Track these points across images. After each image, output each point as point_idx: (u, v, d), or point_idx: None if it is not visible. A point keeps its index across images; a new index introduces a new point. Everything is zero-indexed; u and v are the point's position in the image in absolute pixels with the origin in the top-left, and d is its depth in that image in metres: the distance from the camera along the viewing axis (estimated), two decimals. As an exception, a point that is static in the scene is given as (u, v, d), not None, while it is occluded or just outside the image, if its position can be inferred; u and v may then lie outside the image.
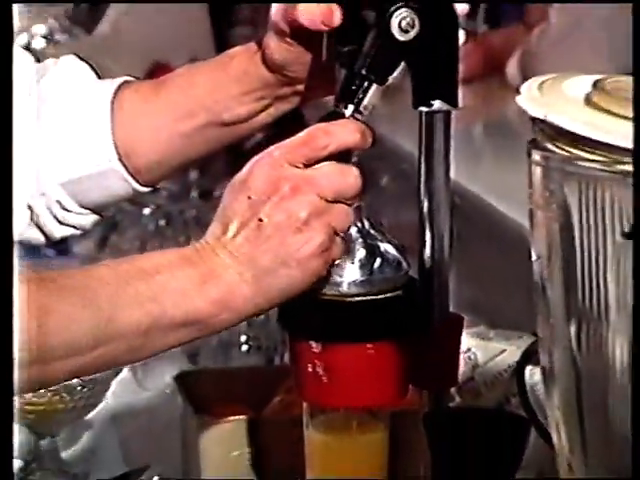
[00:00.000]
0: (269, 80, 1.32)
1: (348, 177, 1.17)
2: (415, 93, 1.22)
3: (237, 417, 1.41)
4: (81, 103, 1.41)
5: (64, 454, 1.62)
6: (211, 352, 1.72)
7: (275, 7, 1.27)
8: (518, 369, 1.30)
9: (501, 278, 1.44)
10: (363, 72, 1.20)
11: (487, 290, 1.48)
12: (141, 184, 1.41)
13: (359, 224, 1.21)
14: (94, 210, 1.43)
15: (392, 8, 1.18)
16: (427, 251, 1.23)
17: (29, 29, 3.61)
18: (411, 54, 1.20)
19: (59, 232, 1.44)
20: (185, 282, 1.16)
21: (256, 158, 1.18)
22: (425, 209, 1.22)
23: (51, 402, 1.60)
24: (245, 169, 1.19)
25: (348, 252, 1.19)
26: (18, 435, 1.61)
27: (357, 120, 1.18)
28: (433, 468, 1.24)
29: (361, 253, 1.20)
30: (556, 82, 0.98)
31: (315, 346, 1.22)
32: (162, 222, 1.98)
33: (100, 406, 1.64)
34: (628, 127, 0.92)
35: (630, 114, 0.93)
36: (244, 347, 1.71)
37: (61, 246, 2.28)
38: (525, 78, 1.81)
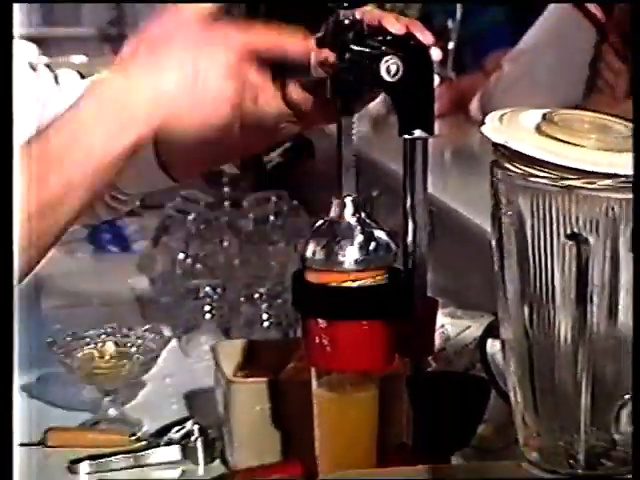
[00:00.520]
0: (284, 113, 1.31)
1: None
2: (400, 124, 1.21)
3: (259, 379, 1.40)
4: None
5: (124, 408, 1.60)
6: (240, 328, 1.72)
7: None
8: (481, 341, 1.29)
9: (467, 269, 1.43)
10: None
11: (456, 279, 1.47)
12: (172, 178, 1.38)
13: (357, 215, 1.21)
14: (128, 197, 1.41)
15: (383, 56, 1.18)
16: (409, 248, 1.22)
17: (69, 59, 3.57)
18: (396, 92, 1.19)
19: (103, 214, 1.43)
20: None
21: None
22: (408, 215, 1.21)
23: (115, 366, 1.59)
24: None
25: (350, 237, 1.20)
26: (88, 393, 1.60)
27: None
28: (414, 420, 1.23)
29: (359, 238, 1.20)
30: (513, 115, 0.97)
31: (322, 323, 1.22)
32: (202, 226, 1.97)
33: (153, 370, 1.63)
34: (571, 150, 0.92)
35: (572, 140, 0.93)
36: (265, 324, 1.71)
37: (124, 244, 2.27)
38: (484, 114, 1.79)
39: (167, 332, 1.66)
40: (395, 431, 1.26)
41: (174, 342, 1.69)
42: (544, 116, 0.95)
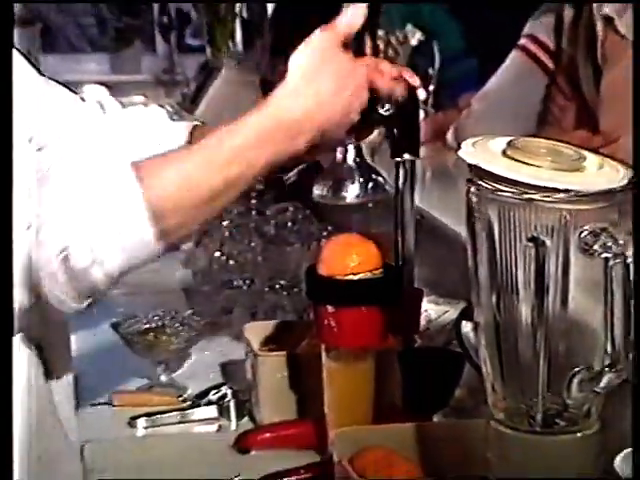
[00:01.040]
0: None
1: None
2: (392, 149, 1.20)
3: (280, 353, 1.39)
4: (165, 136, 1.34)
5: (173, 375, 1.58)
6: (264, 312, 1.71)
7: None
8: (457, 323, 1.28)
9: (446, 265, 1.41)
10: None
11: (438, 273, 1.46)
12: None
13: (358, 159, 1.20)
14: None
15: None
16: (400, 248, 1.20)
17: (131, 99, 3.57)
18: (390, 124, 1.18)
19: None
20: None
21: None
22: (399, 222, 1.20)
23: (165, 341, 1.58)
24: None
25: (352, 177, 1.19)
26: (144, 363, 1.59)
27: None
28: (403, 386, 1.22)
29: (359, 178, 1.20)
30: (483, 142, 0.96)
31: (329, 308, 1.21)
32: (234, 230, 1.96)
33: (195, 345, 1.61)
34: (530, 170, 0.90)
35: (531, 162, 0.91)
36: (285, 309, 1.71)
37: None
38: (458, 142, 1.78)
39: (206, 315, 1.63)
40: (388, 395, 1.24)
41: (212, 323, 1.66)
42: (508, 143, 0.94)
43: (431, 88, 2.05)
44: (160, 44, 4.71)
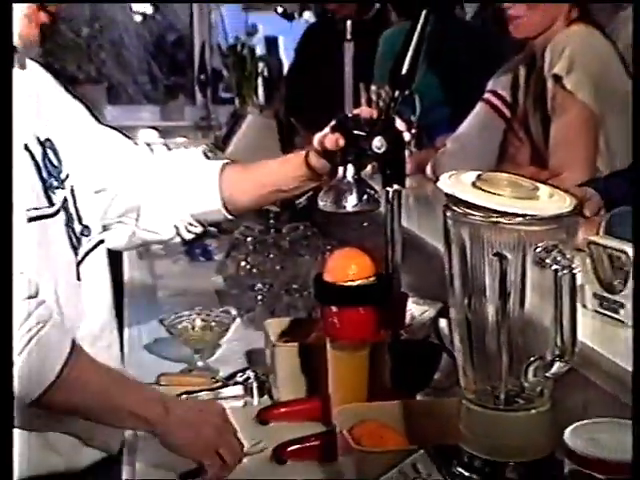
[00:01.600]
0: (308, 172, 1.27)
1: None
2: (383, 180, 1.19)
3: (293, 344, 1.37)
4: (200, 170, 1.35)
5: (207, 361, 1.56)
6: (281, 310, 1.69)
7: (316, 138, 1.23)
8: (435, 320, 1.29)
9: (427, 274, 1.39)
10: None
11: (420, 279, 1.44)
12: (231, 214, 1.35)
13: (356, 176, 1.18)
14: (203, 225, 1.37)
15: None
16: (389, 260, 1.19)
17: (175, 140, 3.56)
18: (382, 160, 1.18)
19: (187, 236, 1.37)
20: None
21: None
22: (388, 239, 1.19)
23: (201, 334, 1.56)
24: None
25: (351, 191, 1.17)
26: (185, 351, 1.57)
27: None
28: (392, 371, 1.20)
29: (356, 191, 1.17)
30: (458, 175, 0.94)
31: (333, 308, 1.19)
32: (256, 245, 1.95)
33: (225, 336, 1.59)
34: (495, 198, 0.89)
35: (496, 191, 0.90)
36: (298, 308, 1.68)
37: (208, 256, 2.25)
38: (435, 175, 1.76)
39: (234, 313, 1.62)
40: (380, 378, 1.21)
41: (239, 319, 1.65)
42: (477, 176, 0.92)
43: (413, 132, 2.02)
44: (199, 97, 4.72)
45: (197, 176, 1.34)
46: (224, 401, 1.41)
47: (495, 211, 0.87)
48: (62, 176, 1.16)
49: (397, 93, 1.19)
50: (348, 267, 1.20)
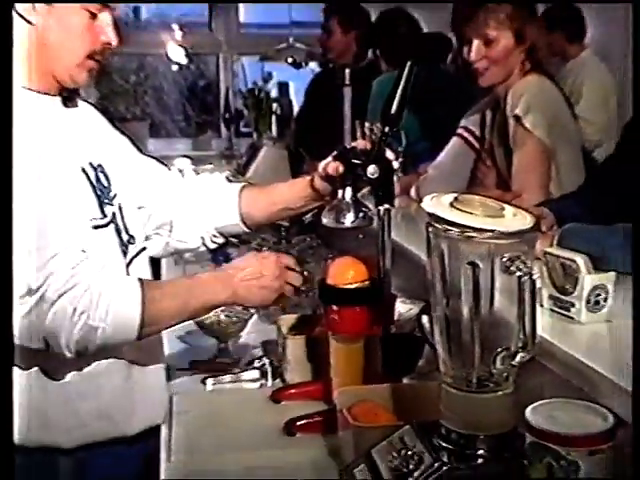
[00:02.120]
0: (313, 194, 1.26)
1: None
2: (375, 200, 1.18)
3: (301, 336, 1.37)
4: (223, 191, 1.34)
5: (230, 349, 1.55)
6: (291, 308, 1.67)
7: (320, 166, 1.22)
8: (418, 316, 1.24)
9: (412, 278, 1.37)
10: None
11: (406, 283, 1.42)
12: (249, 228, 1.34)
13: (353, 198, 1.17)
14: (225, 237, 1.36)
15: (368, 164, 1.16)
16: (381, 266, 1.18)
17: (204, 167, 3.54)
18: (374, 184, 1.17)
19: (212, 246, 1.37)
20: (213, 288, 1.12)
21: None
22: (380, 249, 1.18)
23: (225, 327, 1.54)
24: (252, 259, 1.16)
25: (349, 210, 1.16)
26: (211, 342, 1.56)
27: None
28: (383, 359, 1.19)
29: (354, 210, 1.17)
30: (438, 197, 0.93)
31: (334, 307, 1.18)
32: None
33: (246, 329, 1.58)
34: (469, 216, 0.88)
35: (469, 210, 0.88)
36: (304, 306, 1.66)
37: (229, 262, 2.23)
38: (419, 196, 1.74)
39: (252, 310, 1.60)
40: (373, 365, 1.20)
41: (256, 316, 1.62)
42: (454, 198, 0.91)
43: (400, 160, 2.02)
44: (224, 131, 4.71)
45: (220, 196, 1.34)
46: (243, 383, 1.41)
47: (469, 227, 0.86)
48: (111, 195, 1.17)
49: (387, 129, 1.18)
50: (347, 273, 1.19)
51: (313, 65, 4.08)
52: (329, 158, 1.21)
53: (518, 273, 0.86)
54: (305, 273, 1.17)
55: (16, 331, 0.98)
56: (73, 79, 1.11)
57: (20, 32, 1.04)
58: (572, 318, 1.06)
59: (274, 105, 3.71)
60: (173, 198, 1.32)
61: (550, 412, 0.83)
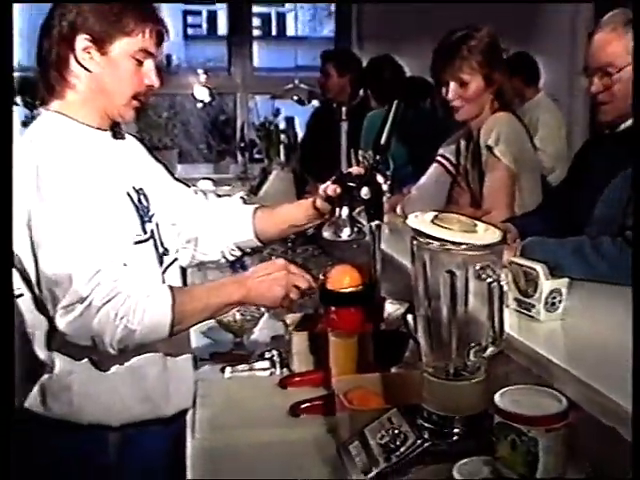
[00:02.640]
0: (315, 213, 1.26)
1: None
2: (367, 217, 1.17)
3: (304, 331, 1.36)
4: (239, 212, 1.33)
5: (245, 343, 1.55)
6: (296, 308, 1.66)
7: (321, 188, 1.21)
8: (404, 315, 1.23)
9: (398, 283, 1.36)
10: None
11: (393, 287, 1.41)
12: (262, 243, 1.33)
13: (349, 215, 1.16)
14: (242, 250, 1.35)
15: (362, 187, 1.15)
16: (373, 273, 1.17)
17: (222, 188, 3.52)
18: (367, 203, 1.16)
19: (230, 258, 1.36)
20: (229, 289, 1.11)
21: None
22: (372, 258, 1.17)
23: (240, 324, 1.53)
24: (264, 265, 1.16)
25: (345, 225, 1.15)
26: (228, 337, 1.55)
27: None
28: (374, 352, 1.18)
29: (349, 226, 1.16)
30: (421, 214, 0.93)
31: (332, 308, 1.18)
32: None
33: (258, 326, 1.57)
34: (447, 231, 0.87)
35: (448, 226, 0.88)
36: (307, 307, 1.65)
37: (244, 268, 2.22)
38: (404, 214, 1.73)
39: (263, 309, 1.59)
40: (366, 357, 1.19)
41: (266, 314, 1.62)
42: (435, 216, 0.91)
43: (389, 183, 2.01)
44: (240, 158, 4.72)
45: (237, 216, 1.34)
46: (255, 372, 1.40)
47: (447, 241, 0.86)
48: (150, 214, 1.18)
49: (377, 157, 1.18)
50: (343, 279, 1.18)
51: (314, 102, 4.10)
52: (328, 182, 1.21)
53: (488, 279, 0.85)
54: (309, 279, 1.15)
55: (68, 331, 1.01)
56: (122, 116, 1.14)
57: (81, 79, 1.09)
58: (533, 317, 1.06)
59: (282, 136, 3.71)
60: (198, 218, 1.33)
61: (515, 397, 0.83)
